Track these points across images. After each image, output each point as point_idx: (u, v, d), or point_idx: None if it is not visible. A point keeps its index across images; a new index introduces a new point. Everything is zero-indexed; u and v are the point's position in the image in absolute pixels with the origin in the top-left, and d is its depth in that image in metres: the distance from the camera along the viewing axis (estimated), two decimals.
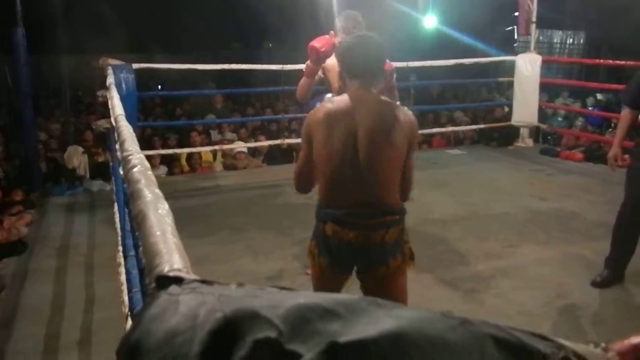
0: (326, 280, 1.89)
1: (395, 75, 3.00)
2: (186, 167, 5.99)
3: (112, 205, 3.74)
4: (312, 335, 0.33)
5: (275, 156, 6.31)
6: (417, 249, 3.37)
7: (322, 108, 1.84)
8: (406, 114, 1.85)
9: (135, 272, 1.95)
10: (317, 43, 2.95)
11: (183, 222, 3.89)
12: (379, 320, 0.35)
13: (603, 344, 0.40)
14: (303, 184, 1.96)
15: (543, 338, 0.38)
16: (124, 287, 2.29)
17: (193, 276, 0.51)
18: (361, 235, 1.77)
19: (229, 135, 7.05)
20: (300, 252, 3.51)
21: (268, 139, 6.42)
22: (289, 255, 3.48)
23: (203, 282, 0.46)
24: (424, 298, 2.87)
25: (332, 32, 3.03)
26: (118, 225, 2.93)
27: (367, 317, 0.35)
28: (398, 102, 2.71)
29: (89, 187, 5.05)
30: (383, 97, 1.91)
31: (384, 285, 1.83)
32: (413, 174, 1.92)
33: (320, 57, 2.97)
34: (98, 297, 3.00)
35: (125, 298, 2.11)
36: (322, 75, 3.14)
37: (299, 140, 6.61)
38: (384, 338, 0.33)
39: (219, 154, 6.02)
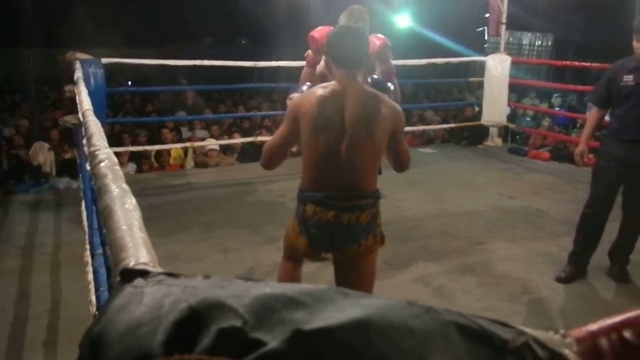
0: (297, 253, 2.04)
1: (390, 53, 3.04)
2: (156, 164, 5.90)
3: (79, 203, 3.66)
4: (277, 323, 0.33)
5: (249, 154, 6.27)
6: (389, 246, 3.40)
7: (313, 93, 1.91)
8: (390, 105, 1.93)
9: (102, 270, 1.91)
10: (317, 33, 3.00)
11: (153, 219, 3.87)
12: (345, 309, 0.35)
13: (562, 331, 0.41)
14: (271, 159, 2.02)
15: (504, 325, 0.39)
16: (91, 286, 2.25)
17: (159, 269, 0.50)
18: (338, 215, 1.89)
19: (201, 132, 6.97)
20: (272, 250, 3.50)
21: (242, 136, 6.37)
22: (261, 252, 3.46)
23: (169, 274, 0.45)
24: (395, 295, 2.90)
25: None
26: (85, 222, 2.87)
27: (333, 305, 0.36)
28: (393, 88, 2.79)
29: (56, 184, 4.93)
30: (369, 88, 1.97)
31: (355, 263, 1.96)
32: (407, 150, 2.05)
33: (319, 47, 3.03)
34: (64, 296, 2.93)
35: (93, 297, 2.07)
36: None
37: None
38: (349, 325, 0.33)
39: (190, 151, 5.94)
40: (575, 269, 3.10)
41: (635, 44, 2.76)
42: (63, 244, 3.62)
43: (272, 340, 0.32)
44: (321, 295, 0.37)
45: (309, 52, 3.06)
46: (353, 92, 1.88)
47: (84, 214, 3.08)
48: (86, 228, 2.78)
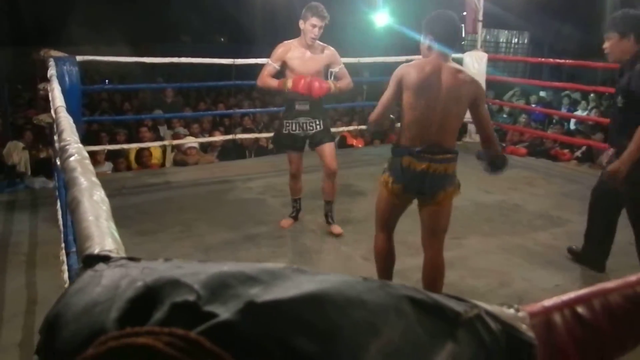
0: (395, 202, 2.54)
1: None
2: (134, 165, 5.82)
3: (55, 203, 3.60)
4: (231, 298, 0.34)
5: (229, 152, 6.24)
6: (368, 243, 3.42)
7: (417, 66, 2.34)
8: (471, 78, 2.38)
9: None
10: (309, 90, 3.35)
11: (131, 219, 3.83)
12: (300, 284, 0.35)
13: (516, 305, 0.42)
14: (382, 116, 2.46)
15: (458, 299, 0.40)
16: (67, 285, 2.22)
17: (122, 255, 0.50)
18: (429, 166, 2.35)
19: (182, 130, 6.90)
20: (252, 248, 3.49)
21: (222, 134, 6.34)
22: (241, 250, 3.45)
23: (131, 259, 0.45)
24: None
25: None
26: (60, 221, 2.83)
27: (289, 282, 0.36)
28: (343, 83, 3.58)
29: (31, 184, 4.84)
30: (456, 65, 2.38)
31: (440, 206, 2.45)
32: (488, 117, 2.48)
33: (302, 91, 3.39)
34: (40, 297, 2.88)
35: None
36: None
37: (251, 136, 6.50)
38: (302, 298, 0.34)
39: (168, 150, 5.89)
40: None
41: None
42: (39, 244, 3.56)
43: (225, 312, 0.32)
44: (278, 273, 0.37)
45: (289, 85, 3.39)
46: (446, 67, 2.33)
47: (59, 212, 3.03)
48: (61, 227, 2.74)
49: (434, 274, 2.57)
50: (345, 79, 3.57)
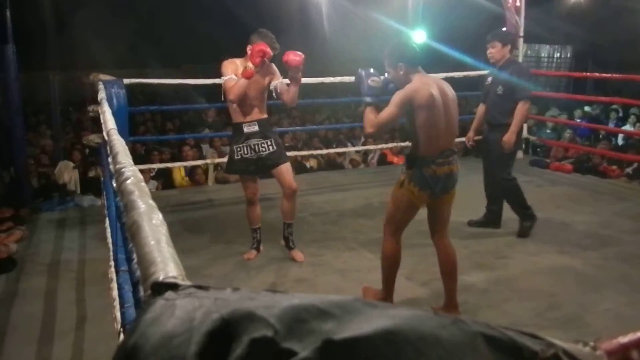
0: (416, 208, 2.74)
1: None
2: (178, 183, 5.96)
3: (103, 221, 3.71)
4: (307, 334, 0.34)
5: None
6: (413, 261, 3.38)
7: (426, 85, 2.58)
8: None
9: (127, 287, 1.93)
10: (267, 48, 3.17)
11: (175, 236, 3.87)
12: (373, 319, 0.35)
13: (592, 343, 0.41)
14: (380, 132, 2.78)
15: (533, 336, 0.39)
16: (116, 303, 2.27)
17: (189, 282, 0.51)
18: (450, 168, 2.66)
19: (224, 149, 7.02)
20: (294, 265, 3.50)
21: None
22: (283, 268, 3.47)
23: (199, 287, 0.46)
24: None
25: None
26: (110, 239, 2.91)
27: (361, 316, 0.36)
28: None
29: (80, 202, 5.02)
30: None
31: (450, 200, 2.77)
32: None
33: (265, 63, 3.22)
34: (90, 314, 2.96)
35: (118, 314, 2.09)
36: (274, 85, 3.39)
37: (291, 153, 6.47)
38: (377, 335, 0.34)
39: (210, 168, 6.00)
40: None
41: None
42: (88, 261, 3.68)
43: (303, 350, 0.33)
44: (349, 307, 0.37)
45: (250, 66, 3.16)
46: (436, 80, 2.67)
47: (108, 231, 3.12)
48: (110, 245, 2.82)
49: (454, 259, 2.83)
50: (289, 92, 3.31)
